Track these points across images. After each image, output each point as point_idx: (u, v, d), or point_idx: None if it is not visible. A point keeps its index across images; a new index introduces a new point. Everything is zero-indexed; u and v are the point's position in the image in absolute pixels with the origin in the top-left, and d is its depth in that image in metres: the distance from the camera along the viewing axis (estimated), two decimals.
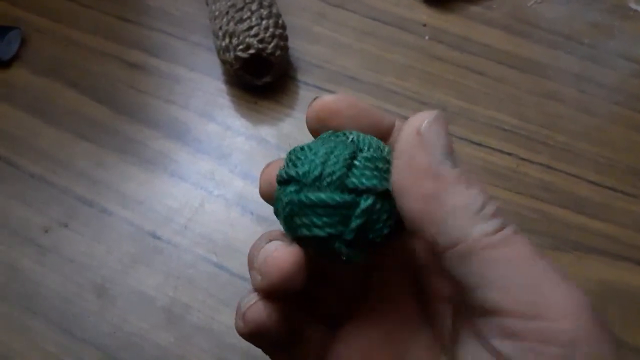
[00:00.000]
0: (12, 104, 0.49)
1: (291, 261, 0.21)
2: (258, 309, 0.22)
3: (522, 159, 0.46)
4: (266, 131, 0.47)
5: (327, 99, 0.23)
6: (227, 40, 0.46)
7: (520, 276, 0.18)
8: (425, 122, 0.20)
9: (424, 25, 0.54)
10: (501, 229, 0.19)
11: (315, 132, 0.23)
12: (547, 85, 0.50)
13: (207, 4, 0.50)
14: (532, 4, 0.56)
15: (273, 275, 0.21)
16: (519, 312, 0.17)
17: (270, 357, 0.25)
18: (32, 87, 0.50)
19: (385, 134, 0.23)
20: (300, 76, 0.50)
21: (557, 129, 0.48)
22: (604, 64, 0.52)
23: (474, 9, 0.55)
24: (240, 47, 0.45)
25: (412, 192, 0.19)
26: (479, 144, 0.47)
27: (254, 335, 0.22)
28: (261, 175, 0.24)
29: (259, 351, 0.39)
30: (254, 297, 0.22)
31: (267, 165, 0.24)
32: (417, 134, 0.20)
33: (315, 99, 0.23)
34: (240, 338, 0.38)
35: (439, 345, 0.23)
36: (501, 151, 0.46)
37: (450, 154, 0.20)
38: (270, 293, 0.22)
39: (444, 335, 0.23)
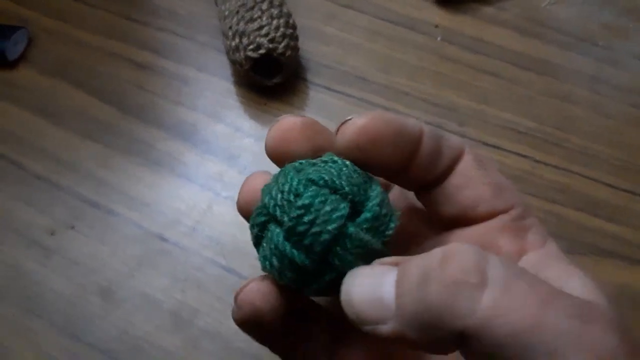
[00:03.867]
0: (18, 104, 0.48)
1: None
2: (253, 290, 0.21)
3: (537, 161, 0.45)
4: None
5: (360, 123, 0.21)
6: (237, 39, 0.45)
7: (536, 344, 0.16)
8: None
9: (436, 26, 0.53)
10: (483, 286, 0.17)
11: (352, 158, 0.21)
12: (561, 86, 0.49)
13: (217, 4, 0.50)
14: (546, 5, 0.55)
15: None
16: None
17: (276, 353, 0.25)
18: (39, 88, 0.49)
19: (417, 147, 0.22)
20: (310, 77, 0.49)
21: (573, 131, 0.47)
22: (619, 66, 0.51)
23: (487, 10, 0.54)
24: (251, 47, 0.44)
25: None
26: (493, 146, 0.46)
27: (248, 321, 0.22)
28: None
29: (267, 357, 0.38)
30: (249, 280, 0.22)
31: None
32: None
33: (344, 122, 0.21)
34: (249, 342, 0.37)
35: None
36: (516, 153, 0.45)
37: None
38: (245, 326, 0.22)
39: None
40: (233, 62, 0.47)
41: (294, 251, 0.20)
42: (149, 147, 0.46)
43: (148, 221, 0.43)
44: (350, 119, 0.21)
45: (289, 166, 0.21)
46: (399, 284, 0.18)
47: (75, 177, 0.45)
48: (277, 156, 0.23)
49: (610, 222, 0.43)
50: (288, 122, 0.22)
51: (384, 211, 0.21)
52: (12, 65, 0.50)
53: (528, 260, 0.22)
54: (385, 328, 0.18)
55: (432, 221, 0.25)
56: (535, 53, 0.51)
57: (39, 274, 0.40)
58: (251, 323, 0.22)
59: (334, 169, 0.20)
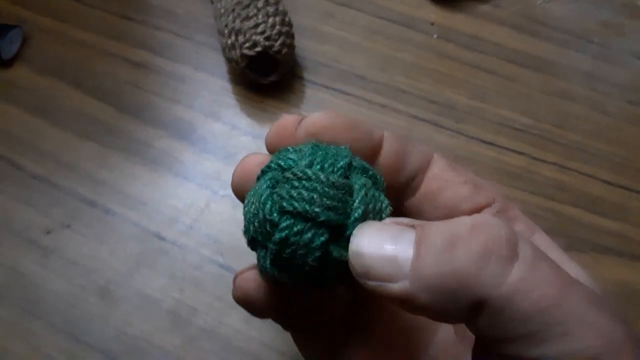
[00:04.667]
0: (14, 104, 0.48)
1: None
2: (247, 279, 0.23)
3: (535, 158, 0.45)
4: None
5: (316, 115, 0.22)
6: (233, 37, 0.45)
7: (555, 323, 0.16)
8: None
9: (432, 23, 0.53)
10: (513, 259, 0.17)
11: None
12: (558, 84, 0.49)
13: (212, 2, 0.50)
14: (541, 3, 0.55)
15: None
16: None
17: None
18: (35, 87, 0.49)
19: (377, 144, 0.23)
20: (307, 75, 0.49)
21: (570, 128, 0.47)
22: (615, 63, 0.51)
23: (483, 7, 0.54)
24: (247, 44, 0.44)
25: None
26: (491, 144, 0.46)
27: (242, 302, 0.23)
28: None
29: (267, 356, 0.38)
30: (250, 265, 0.23)
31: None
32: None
33: (302, 119, 0.23)
34: (248, 342, 0.38)
35: (463, 345, 0.23)
36: (513, 150, 0.45)
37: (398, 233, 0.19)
38: (241, 306, 0.24)
39: (469, 338, 0.22)
40: (229, 60, 0.47)
41: (283, 274, 0.20)
42: (146, 146, 0.46)
43: (146, 220, 0.42)
44: (306, 116, 0.23)
45: (263, 180, 0.21)
46: (418, 245, 0.18)
47: (72, 176, 0.44)
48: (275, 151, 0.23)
49: (609, 219, 0.43)
50: (287, 121, 0.23)
51: (369, 218, 0.20)
52: (7, 64, 0.50)
53: None
54: (396, 287, 0.17)
55: None
56: (531, 50, 0.51)
57: (37, 274, 0.40)
58: (245, 307, 0.23)
59: (308, 188, 0.19)
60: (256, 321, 0.38)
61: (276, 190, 0.20)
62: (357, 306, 0.24)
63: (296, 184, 0.20)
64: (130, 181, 0.44)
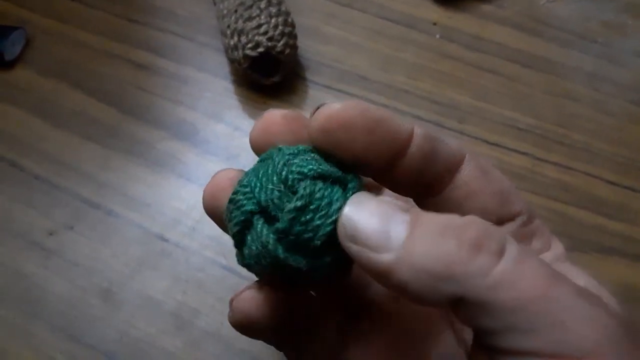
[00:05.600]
0: (16, 105, 0.48)
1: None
2: (246, 299, 0.22)
3: (538, 158, 0.45)
4: None
5: (334, 108, 0.20)
6: (235, 38, 0.45)
7: (542, 313, 0.16)
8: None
9: (434, 24, 0.53)
10: (500, 254, 0.17)
11: (320, 145, 0.20)
12: (561, 84, 0.49)
13: (215, 3, 0.50)
14: (545, 3, 0.55)
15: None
16: (547, 353, 0.16)
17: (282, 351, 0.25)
18: (37, 88, 0.49)
19: (403, 145, 0.20)
20: (310, 76, 0.49)
21: (573, 128, 0.46)
22: (619, 63, 0.51)
23: (485, 7, 0.54)
24: (249, 45, 0.44)
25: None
26: (494, 144, 0.46)
27: (242, 327, 0.22)
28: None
29: (268, 359, 0.38)
30: (245, 286, 0.22)
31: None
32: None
33: (319, 107, 0.20)
34: (251, 343, 0.37)
35: (463, 350, 0.22)
36: (517, 151, 0.45)
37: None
38: (239, 330, 0.22)
39: (466, 341, 0.22)
40: (232, 61, 0.47)
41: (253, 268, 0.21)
42: (148, 147, 0.46)
43: (148, 221, 0.42)
44: (324, 104, 0.20)
45: (240, 199, 0.20)
46: (413, 225, 0.17)
47: (75, 178, 0.44)
48: (260, 149, 0.22)
49: (613, 220, 0.42)
50: (272, 115, 0.22)
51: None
52: (9, 65, 0.50)
53: None
54: (380, 257, 0.17)
55: None
56: (534, 50, 0.51)
57: (39, 276, 0.40)
58: (245, 329, 0.22)
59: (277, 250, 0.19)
60: None
61: (248, 234, 0.20)
62: (355, 316, 0.24)
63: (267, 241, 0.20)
64: (133, 183, 0.44)
